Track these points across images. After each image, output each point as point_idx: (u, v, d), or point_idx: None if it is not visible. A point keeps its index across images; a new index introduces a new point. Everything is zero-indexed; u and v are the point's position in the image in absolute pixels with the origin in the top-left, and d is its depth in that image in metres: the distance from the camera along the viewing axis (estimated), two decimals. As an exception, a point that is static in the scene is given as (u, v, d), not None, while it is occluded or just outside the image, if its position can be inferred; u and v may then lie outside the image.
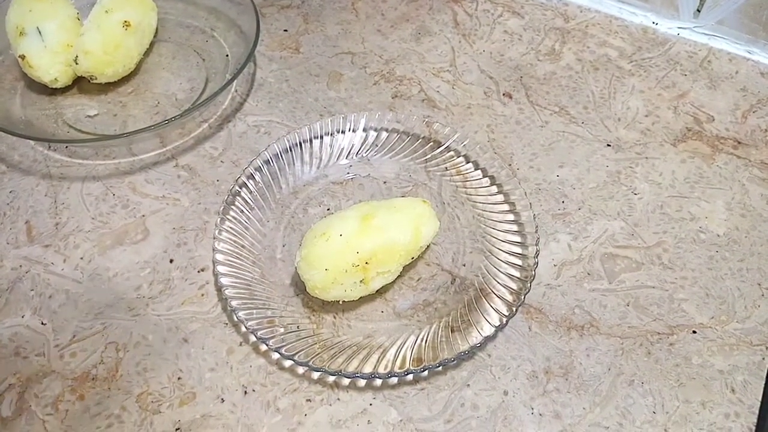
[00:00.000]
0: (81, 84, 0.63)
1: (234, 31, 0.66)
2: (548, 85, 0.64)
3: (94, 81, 0.61)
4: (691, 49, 0.68)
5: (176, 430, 0.43)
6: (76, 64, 0.59)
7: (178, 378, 0.45)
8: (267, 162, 0.55)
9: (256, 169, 0.54)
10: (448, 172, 0.56)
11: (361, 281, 0.45)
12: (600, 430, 0.43)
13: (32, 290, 0.49)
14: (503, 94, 0.63)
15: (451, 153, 0.57)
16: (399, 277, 0.49)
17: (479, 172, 0.55)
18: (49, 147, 0.59)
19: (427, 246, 0.50)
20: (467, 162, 0.56)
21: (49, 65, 0.60)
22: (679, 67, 0.66)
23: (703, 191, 0.56)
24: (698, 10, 0.68)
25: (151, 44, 0.66)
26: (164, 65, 0.66)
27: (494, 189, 0.54)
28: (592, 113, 0.62)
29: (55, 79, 0.60)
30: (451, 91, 0.64)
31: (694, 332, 0.47)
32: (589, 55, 0.67)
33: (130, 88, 0.63)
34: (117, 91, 0.63)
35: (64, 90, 0.63)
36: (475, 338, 0.45)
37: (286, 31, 0.69)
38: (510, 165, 0.57)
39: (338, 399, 0.44)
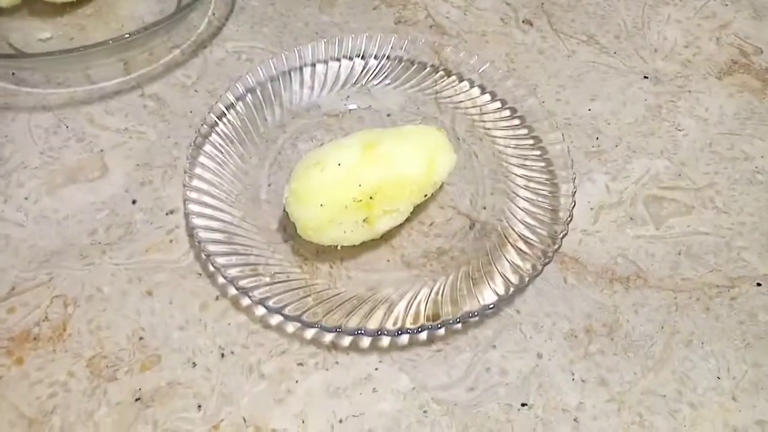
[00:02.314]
0: (32, 5, 0.54)
1: (211, -52, 0.57)
2: (573, 12, 0.56)
3: (47, -1, 0.52)
4: (731, -23, 0.60)
5: (136, 400, 0.35)
6: (24, -24, 0.50)
7: (140, 338, 0.37)
8: (250, 90, 0.46)
9: (237, 98, 0.46)
10: (462, 104, 0.48)
11: (364, 221, 0.37)
12: (655, 398, 0.35)
13: (-37, 235, 0.41)
14: (523, 21, 0.55)
15: (465, 82, 0.49)
16: (407, 221, 0.41)
17: (498, 103, 0.47)
18: (-8, 74, 0.50)
19: (440, 185, 0.42)
20: (483, 92, 0.48)
21: (-10, -22, 0.50)
22: (718, -4, 0.58)
23: (756, 128, 0.48)
24: (739, -66, 0.60)
25: (116, -37, 0.57)
26: (130, -14, 0.57)
27: (517, 122, 0.46)
28: (624, 43, 0.54)
29: (-1, -5, 0.51)
30: (462, 17, 0.55)
31: (759, 285, 0.40)
32: (617, -19, 0.59)
33: (90, 9, 0.54)
34: (75, 12, 0.54)
35: (11, 11, 0.54)
36: (501, 290, 0.37)
37: (272, -49, 0.60)
38: (536, 95, 0.49)
39: (336, 362, 0.36)
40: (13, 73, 0.50)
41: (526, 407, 0.35)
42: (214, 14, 0.55)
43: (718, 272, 0.40)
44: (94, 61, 0.49)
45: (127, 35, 0.45)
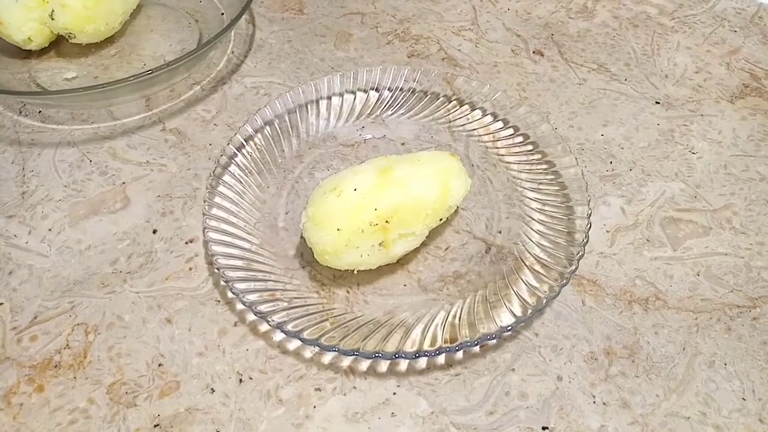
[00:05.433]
0: (59, 47, 0.56)
1: (230, -10, 0.60)
2: (583, 42, 0.57)
3: (73, 40, 0.54)
4: (739, 5, 0.61)
5: (155, 426, 0.35)
6: (52, 19, 0.53)
7: (159, 364, 0.37)
8: (268, 123, 0.48)
9: (255, 130, 0.47)
10: (475, 131, 0.49)
11: (380, 244, 0.38)
12: (679, 420, 0.35)
13: (-11, 266, 0.42)
14: (533, 52, 0.56)
15: (478, 111, 0.49)
16: (423, 245, 0.41)
17: (511, 129, 0.48)
18: (20, 112, 0.52)
19: (456, 210, 0.43)
20: (496, 120, 0.49)
21: (21, 22, 0.53)
22: (727, 23, 0.59)
23: (771, 150, 0.48)
24: (745, -36, 0.61)
25: (139, 7, 0.59)
26: (153, 27, 0.59)
27: (530, 147, 0.47)
28: (635, 70, 0.54)
29: (29, 38, 0.53)
30: (474, 49, 0.56)
31: (781, 305, 0.39)
32: (626, 12, 0.60)
33: (114, 50, 0.57)
34: (99, 53, 0.56)
35: (40, 53, 0.56)
36: (519, 312, 0.37)
37: (288, -8, 0.63)
38: (548, 121, 0.49)
39: (354, 387, 0.36)
40: (40, 111, 0.52)
41: (547, 431, 0.34)
42: (233, 52, 0.57)
43: (739, 292, 0.40)
44: (117, 97, 0.51)
45: (150, 71, 0.46)
